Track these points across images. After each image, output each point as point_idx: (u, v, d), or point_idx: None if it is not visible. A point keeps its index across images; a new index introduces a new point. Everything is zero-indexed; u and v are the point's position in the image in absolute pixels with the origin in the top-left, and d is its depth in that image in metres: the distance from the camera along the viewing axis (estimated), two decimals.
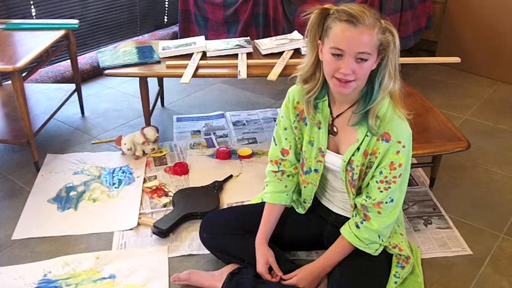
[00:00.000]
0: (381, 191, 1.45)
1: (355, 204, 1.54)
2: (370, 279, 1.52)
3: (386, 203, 1.46)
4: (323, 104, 1.49)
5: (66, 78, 3.12)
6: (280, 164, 1.64)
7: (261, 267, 1.57)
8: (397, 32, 1.34)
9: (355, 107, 1.44)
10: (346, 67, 1.30)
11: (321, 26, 1.36)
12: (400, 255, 1.60)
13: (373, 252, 1.53)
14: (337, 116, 1.49)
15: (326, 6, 1.34)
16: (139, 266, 1.76)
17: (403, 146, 1.41)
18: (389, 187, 1.44)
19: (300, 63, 1.48)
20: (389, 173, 1.43)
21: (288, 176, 1.65)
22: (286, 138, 1.61)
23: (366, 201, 1.48)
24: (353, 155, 1.46)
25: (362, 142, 1.43)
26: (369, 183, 1.48)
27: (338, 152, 1.52)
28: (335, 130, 1.50)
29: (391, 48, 1.32)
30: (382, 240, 1.52)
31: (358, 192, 1.54)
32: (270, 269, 1.59)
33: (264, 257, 1.58)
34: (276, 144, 1.64)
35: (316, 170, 1.57)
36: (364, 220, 1.49)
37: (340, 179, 1.54)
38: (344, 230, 1.55)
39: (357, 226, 1.51)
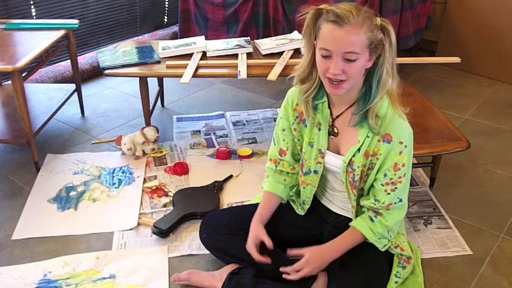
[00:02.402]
0: (388, 193, 1.46)
1: (357, 205, 1.55)
2: (371, 279, 1.52)
3: (395, 203, 1.48)
4: (322, 105, 1.50)
5: (66, 78, 3.12)
6: (278, 163, 1.65)
7: (250, 243, 1.54)
8: (393, 30, 1.33)
9: (354, 107, 1.44)
10: (335, 67, 1.31)
11: (315, 26, 1.37)
12: (402, 255, 1.60)
13: (381, 248, 1.53)
14: (337, 117, 1.49)
15: (321, 6, 1.35)
16: (139, 266, 1.76)
17: (405, 146, 1.41)
18: (396, 188, 1.45)
19: (299, 63, 1.49)
20: (394, 174, 1.43)
21: (288, 173, 1.66)
22: (283, 139, 1.62)
23: (375, 204, 1.48)
24: (354, 155, 1.46)
25: (363, 143, 1.43)
26: (373, 185, 1.48)
27: (338, 153, 1.52)
28: (335, 131, 1.50)
29: (387, 46, 1.32)
30: (390, 236, 1.53)
31: (360, 194, 1.54)
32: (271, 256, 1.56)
33: (254, 233, 1.56)
34: (274, 144, 1.66)
35: (315, 172, 1.58)
36: (377, 215, 1.50)
37: (341, 180, 1.54)
38: (357, 222, 1.53)
39: (371, 220, 1.50)
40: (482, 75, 3.42)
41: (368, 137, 1.43)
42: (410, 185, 2.22)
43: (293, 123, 1.57)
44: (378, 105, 1.38)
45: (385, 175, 1.44)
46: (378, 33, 1.31)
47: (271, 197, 1.66)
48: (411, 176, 2.26)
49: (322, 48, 1.32)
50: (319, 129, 1.51)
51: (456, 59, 2.51)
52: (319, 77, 1.42)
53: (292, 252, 1.53)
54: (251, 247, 1.54)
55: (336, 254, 1.52)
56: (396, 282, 1.58)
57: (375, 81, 1.36)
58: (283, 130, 1.61)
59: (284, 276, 1.51)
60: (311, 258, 1.49)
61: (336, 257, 1.51)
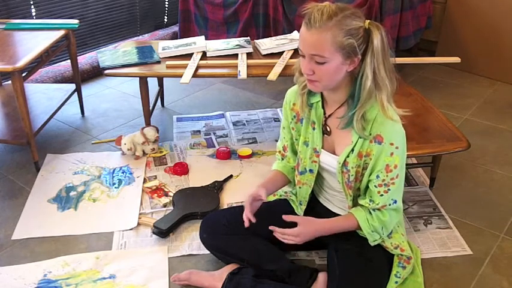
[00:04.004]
0: (381, 195, 1.46)
1: (353, 206, 1.55)
2: (370, 279, 1.53)
3: (390, 205, 1.48)
4: (317, 104, 1.52)
5: (66, 78, 3.12)
6: (285, 156, 1.70)
7: (247, 199, 1.56)
8: (380, 35, 1.29)
9: (344, 107, 1.44)
10: (305, 67, 1.35)
11: None
12: (402, 255, 1.60)
13: (371, 241, 1.53)
14: (329, 116, 1.50)
15: (321, 4, 1.34)
16: (139, 266, 1.76)
17: (396, 147, 1.41)
18: (389, 189, 1.45)
19: None
20: (387, 176, 1.43)
21: (292, 168, 1.69)
22: (284, 137, 1.67)
23: (370, 204, 1.48)
24: (348, 156, 1.46)
25: (356, 143, 1.44)
26: (368, 186, 1.49)
27: (333, 153, 1.52)
28: (328, 130, 1.51)
29: (369, 52, 1.30)
30: (383, 234, 1.53)
31: (357, 194, 1.54)
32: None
33: (254, 190, 1.56)
34: (280, 140, 1.71)
35: (311, 171, 1.59)
36: (375, 210, 1.50)
37: (337, 181, 1.54)
38: (357, 211, 1.52)
39: (370, 212, 1.51)
40: (482, 75, 3.42)
41: (361, 137, 1.43)
42: (410, 185, 2.23)
43: (291, 122, 1.60)
44: (363, 110, 1.37)
45: (377, 177, 1.44)
46: (345, 39, 1.27)
47: (277, 174, 1.69)
48: (411, 176, 2.29)
49: (298, 47, 1.36)
50: (314, 129, 1.53)
51: (456, 59, 2.51)
52: None
53: (289, 218, 1.52)
54: (246, 202, 1.56)
55: (325, 232, 1.53)
56: (396, 282, 1.58)
57: (358, 85, 1.36)
58: (283, 128, 1.66)
59: (274, 233, 1.52)
60: (301, 233, 1.49)
61: (323, 235, 1.53)
